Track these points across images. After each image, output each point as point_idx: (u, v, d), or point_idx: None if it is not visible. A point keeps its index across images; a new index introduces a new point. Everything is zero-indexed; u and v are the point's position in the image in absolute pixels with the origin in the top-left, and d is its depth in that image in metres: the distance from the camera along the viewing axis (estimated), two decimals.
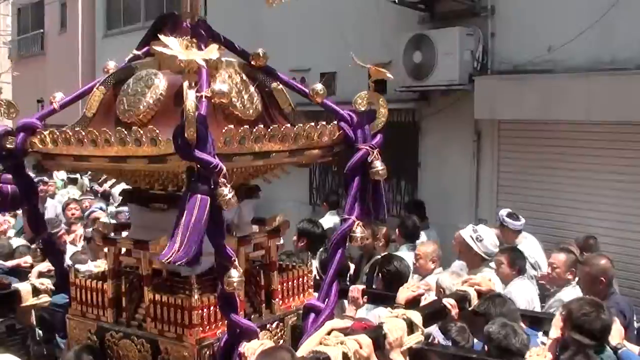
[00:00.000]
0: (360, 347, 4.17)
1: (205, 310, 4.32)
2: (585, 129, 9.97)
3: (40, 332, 5.72)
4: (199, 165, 3.77)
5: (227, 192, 3.80)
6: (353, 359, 4.10)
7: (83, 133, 4.12)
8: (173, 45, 3.72)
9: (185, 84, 3.68)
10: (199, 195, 3.75)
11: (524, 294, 6.61)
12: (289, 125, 4.42)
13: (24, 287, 5.68)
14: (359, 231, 4.68)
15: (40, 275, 5.97)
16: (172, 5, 17.43)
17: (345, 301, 5.74)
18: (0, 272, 6.88)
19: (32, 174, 4.95)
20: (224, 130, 3.95)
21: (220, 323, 4.35)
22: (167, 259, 3.75)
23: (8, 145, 4.50)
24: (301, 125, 4.43)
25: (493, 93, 10.57)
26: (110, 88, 4.60)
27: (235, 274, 3.90)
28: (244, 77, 4.60)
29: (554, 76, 10.00)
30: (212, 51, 3.92)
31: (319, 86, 4.79)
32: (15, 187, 4.59)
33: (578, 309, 4.69)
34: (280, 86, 4.84)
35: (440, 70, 10.96)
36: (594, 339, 4.60)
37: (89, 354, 4.55)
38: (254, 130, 4.10)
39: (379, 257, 7.38)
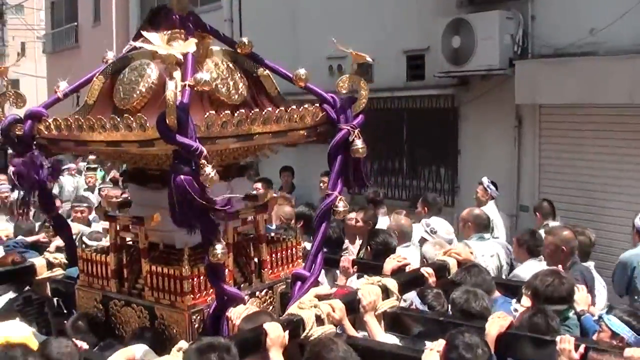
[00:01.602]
0: (333, 310, 4.99)
1: (195, 279, 5.15)
2: (629, 113, 10.35)
3: (58, 302, 6.59)
4: (180, 149, 4.53)
5: (209, 171, 4.53)
6: (326, 321, 4.91)
7: (82, 120, 4.99)
8: (154, 40, 4.52)
9: (165, 75, 4.52)
10: (182, 177, 4.52)
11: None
12: (270, 108, 5.22)
13: (38, 261, 6.61)
14: (341, 205, 5.54)
15: (58, 249, 6.87)
16: None
17: (338, 271, 6.64)
18: (21, 246, 7.90)
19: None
20: (205, 116, 4.74)
21: (211, 291, 5.19)
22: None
23: (17, 132, 5.44)
24: (282, 108, 5.24)
25: (534, 77, 11.04)
26: (108, 77, 5.49)
27: (219, 247, 4.71)
28: (230, 65, 5.44)
29: (597, 59, 10.37)
30: (190, 45, 4.68)
31: (302, 71, 5.59)
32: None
33: (541, 283, 5.49)
34: (267, 72, 5.66)
35: (480, 55, 11.52)
36: (565, 302, 5.41)
37: (83, 321, 5.46)
38: (236, 114, 4.88)
39: None
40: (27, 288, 6.58)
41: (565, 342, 4.52)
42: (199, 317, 5.19)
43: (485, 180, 10.59)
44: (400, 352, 4.85)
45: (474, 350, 4.26)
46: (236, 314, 4.92)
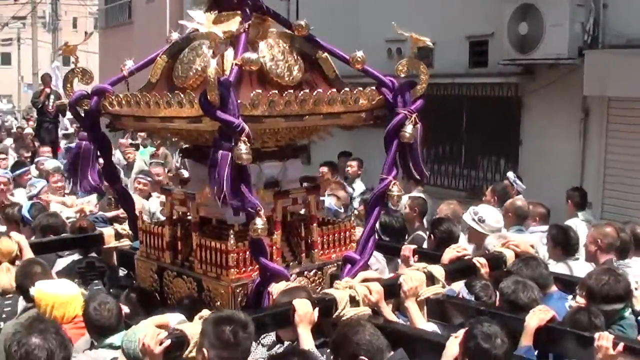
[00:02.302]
0: (370, 293, 5.21)
1: (240, 254, 5.46)
2: None
3: (128, 273, 7.01)
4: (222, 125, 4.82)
5: (243, 148, 4.86)
6: (361, 303, 5.14)
7: (140, 96, 5.35)
8: (198, 18, 4.92)
9: (209, 53, 4.86)
10: (221, 152, 4.85)
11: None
12: (320, 90, 5.44)
13: (107, 231, 7.11)
14: (395, 190, 5.77)
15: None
16: None
17: (399, 260, 6.81)
18: (102, 221, 8.43)
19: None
20: (251, 94, 5.02)
21: (256, 267, 5.49)
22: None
23: (84, 107, 5.90)
24: (335, 90, 5.46)
25: (604, 68, 10.92)
26: (171, 57, 5.85)
27: (259, 222, 5.01)
28: (287, 47, 5.71)
29: None
30: (232, 24, 5.03)
31: (359, 53, 5.79)
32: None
33: (596, 282, 5.54)
34: (325, 55, 5.89)
35: (548, 43, 11.45)
36: (622, 300, 5.45)
37: (135, 293, 5.84)
38: (284, 94, 5.14)
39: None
40: (92, 254, 7.03)
41: (604, 339, 4.56)
42: (242, 291, 5.51)
43: (510, 175, 10.80)
44: (428, 338, 5.00)
45: (492, 340, 4.33)
46: (277, 290, 5.20)
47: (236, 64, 5.00)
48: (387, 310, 5.33)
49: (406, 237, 8.03)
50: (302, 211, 6.17)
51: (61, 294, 5.32)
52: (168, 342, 4.29)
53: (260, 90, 5.12)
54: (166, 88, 5.57)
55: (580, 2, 11.30)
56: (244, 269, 5.51)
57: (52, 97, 19.45)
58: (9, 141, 20.06)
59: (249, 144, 4.88)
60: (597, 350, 4.54)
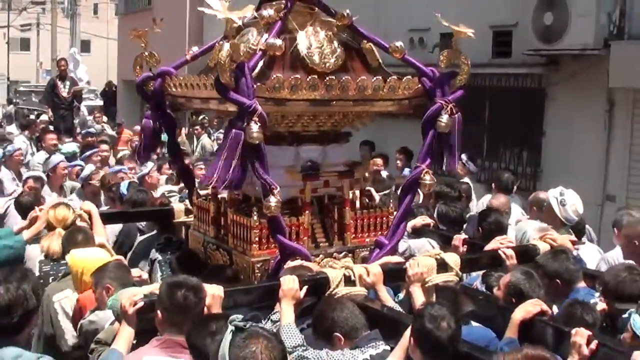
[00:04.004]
0: (368, 275, 5.44)
1: (263, 230, 5.83)
2: None
3: None
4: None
5: (254, 127, 5.20)
6: (357, 283, 5.38)
7: (188, 78, 5.85)
8: (214, 5, 5.28)
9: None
10: (234, 130, 5.23)
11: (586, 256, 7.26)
12: (348, 77, 5.75)
13: (177, 206, 7.71)
14: (428, 178, 6.00)
15: None
16: None
17: None
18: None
19: None
20: (272, 77, 5.43)
21: None
22: (206, 184, 5.69)
23: (150, 88, 6.49)
24: (364, 77, 5.79)
25: (631, 60, 10.84)
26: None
27: (273, 200, 5.34)
28: (330, 34, 6.02)
29: None
30: (247, 11, 5.46)
31: (398, 43, 6.06)
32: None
33: (613, 278, 5.51)
34: (370, 45, 6.19)
35: (574, 34, 11.36)
36: (635, 301, 5.18)
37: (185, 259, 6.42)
38: (308, 79, 5.53)
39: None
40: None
41: (579, 335, 4.53)
42: (263, 267, 5.87)
43: (463, 156, 10.71)
44: (406, 321, 4.89)
45: (437, 323, 4.40)
46: (289, 266, 5.56)
47: (260, 49, 5.44)
48: (384, 292, 5.52)
49: (463, 227, 8.20)
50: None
51: (91, 260, 5.69)
52: (141, 304, 4.68)
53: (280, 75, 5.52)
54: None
55: None
56: (266, 245, 5.88)
57: (67, 82, 18.96)
58: (13, 128, 19.45)
59: (260, 124, 5.22)
60: (571, 345, 4.53)
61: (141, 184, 10.44)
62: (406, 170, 11.42)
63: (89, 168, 10.97)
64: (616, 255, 7.14)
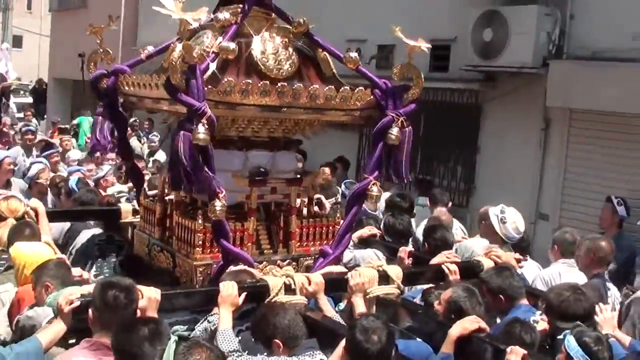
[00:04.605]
0: (309, 284, 5.47)
1: (207, 234, 5.82)
2: None
3: None
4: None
5: (201, 130, 5.16)
6: (298, 292, 5.41)
7: (140, 77, 5.79)
8: (168, 5, 5.22)
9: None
10: (182, 132, 5.20)
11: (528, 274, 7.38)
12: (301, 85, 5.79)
13: (124, 206, 7.63)
14: (375, 190, 6.01)
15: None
16: None
17: None
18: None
19: None
20: (224, 81, 5.43)
21: None
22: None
23: (103, 85, 6.38)
24: (316, 86, 5.82)
25: (568, 79, 11.03)
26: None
27: (218, 204, 5.33)
28: (285, 41, 6.05)
29: (637, 66, 10.32)
30: (201, 13, 5.45)
31: (353, 54, 6.15)
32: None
33: (556, 297, 5.47)
34: (324, 54, 6.24)
35: (512, 51, 11.46)
36: (580, 321, 5.18)
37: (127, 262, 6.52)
38: (260, 84, 5.55)
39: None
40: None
41: (514, 353, 4.60)
42: (205, 271, 5.86)
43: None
44: (341, 331, 4.92)
45: (368, 335, 4.38)
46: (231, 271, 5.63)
47: (213, 52, 5.44)
48: (324, 302, 5.55)
49: (409, 240, 8.25)
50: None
51: (34, 255, 5.65)
52: (77, 303, 4.70)
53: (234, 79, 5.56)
54: None
55: (547, 11, 11.39)
56: (210, 249, 5.89)
57: None
58: None
59: (207, 127, 5.20)
60: None
61: (96, 186, 10.48)
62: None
63: (36, 167, 10.61)
64: (551, 273, 7.18)
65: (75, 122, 20.39)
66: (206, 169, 5.25)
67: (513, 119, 12.10)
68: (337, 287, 5.73)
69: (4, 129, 17.81)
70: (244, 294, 5.18)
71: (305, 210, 6.60)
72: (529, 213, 11.47)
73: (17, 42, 48.54)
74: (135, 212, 7.32)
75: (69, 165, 12.91)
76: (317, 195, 7.26)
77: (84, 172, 11.44)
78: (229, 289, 5.12)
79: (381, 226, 7.96)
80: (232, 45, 5.41)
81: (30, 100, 30.71)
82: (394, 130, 5.91)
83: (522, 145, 11.99)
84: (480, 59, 11.81)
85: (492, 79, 12.38)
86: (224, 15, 5.74)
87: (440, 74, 13.17)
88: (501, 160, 12.26)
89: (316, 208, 6.95)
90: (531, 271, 7.50)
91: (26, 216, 6.72)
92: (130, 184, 8.88)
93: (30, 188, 10.15)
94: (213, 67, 5.50)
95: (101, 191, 9.97)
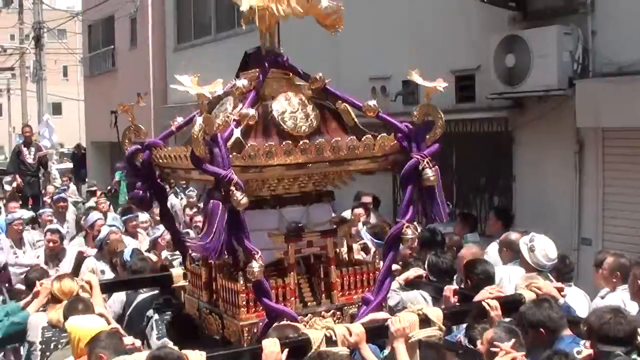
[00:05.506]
0: (350, 335, 5.54)
1: (250, 294, 6.04)
2: None
3: None
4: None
5: (238, 195, 5.42)
6: (340, 344, 5.49)
7: (171, 150, 6.08)
8: (185, 82, 5.45)
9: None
10: (212, 201, 5.48)
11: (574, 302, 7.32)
12: (323, 139, 6.05)
13: (176, 272, 7.85)
14: (409, 233, 6.18)
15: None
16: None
17: None
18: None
19: None
20: (247, 146, 5.72)
21: None
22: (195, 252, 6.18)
23: (139, 160, 6.78)
24: (338, 139, 6.07)
25: (597, 98, 10.74)
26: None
27: (255, 265, 5.57)
28: (303, 98, 6.31)
29: None
30: (217, 85, 5.61)
31: (372, 102, 6.34)
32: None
33: (597, 319, 5.37)
34: (345, 105, 6.46)
35: (536, 75, 11.19)
36: (622, 344, 5.17)
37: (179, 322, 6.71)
38: (282, 144, 5.83)
39: None
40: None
41: None
42: (252, 330, 6.05)
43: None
44: None
45: None
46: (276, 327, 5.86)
47: (234, 120, 5.70)
48: (367, 352, 5.62)
49: (454, 277, 8.35)
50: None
51: (87, 328, 5.87)
52: None
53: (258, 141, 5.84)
54: None
55: (567, 30, 11.05)
56: (254, 308, 6.10)
57: (32, 149, 18.80)
58: None
59: (242, 191, 5.47)
60: None
61: (154, 246, 11.19)
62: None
63: (105, 230, 11.09)
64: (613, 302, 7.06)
65: (116, 177, 20.74)
66: (239, 232, 5.48)
67: (545, 143, 11.78)
68: (378, 334, 5.86)
69: (46, 199, 18.55)
70: (286, 350, 5.31)
71: (346, 257, 6.77)
72: (570, 239, 11.28)
73: (57, 109, 49.57)
74: (185, 276, 7.54)
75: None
76: (361, 241, 7.52)
77: (120, 228, 11.76)
78: (271, 346, 5.26)
79: (425, 266, 8.07)
80: (252, 111, 5.74)
81: (70, 165, 31.50)
82: (429, 172, 6.07)
83: (558, 169, 11.66)
84: (505, 86, 11.57)
85: (520, 104, 12.10)
86: (242, 82, 6.10)
87: (467, 104, 13.00)
88: (538, 188, 11.95)
89: (363, 254, 7.17)
90: (577, 299, 7.45)
91: (81, 290, 7.00)
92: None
93: (101, 249, 10.69)
94: (237, 133, 5.77)
95: (156, 253, 10.58)
